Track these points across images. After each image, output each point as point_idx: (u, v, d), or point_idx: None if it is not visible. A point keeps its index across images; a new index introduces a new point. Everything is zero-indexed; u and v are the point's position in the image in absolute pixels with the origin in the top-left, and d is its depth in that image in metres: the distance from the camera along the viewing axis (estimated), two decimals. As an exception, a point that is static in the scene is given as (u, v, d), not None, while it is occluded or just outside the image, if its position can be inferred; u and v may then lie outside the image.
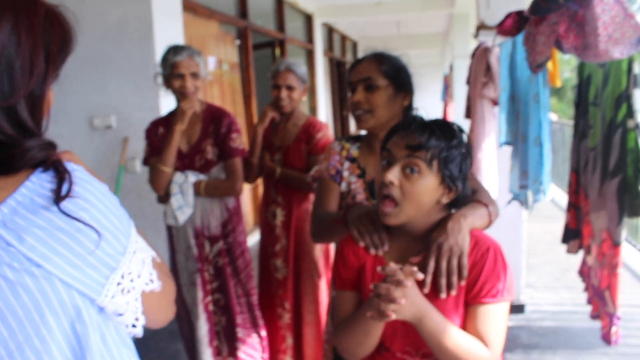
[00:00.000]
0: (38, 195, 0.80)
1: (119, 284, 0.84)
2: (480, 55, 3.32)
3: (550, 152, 2.81)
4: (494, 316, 1.29)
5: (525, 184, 2.97)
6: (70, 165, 0.85)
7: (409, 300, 1.20)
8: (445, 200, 1.33)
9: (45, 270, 0.77)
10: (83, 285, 0.81)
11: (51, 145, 0.85)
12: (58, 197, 0.79)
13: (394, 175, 1.28)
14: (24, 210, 0.78)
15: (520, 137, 2.96)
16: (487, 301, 1.28)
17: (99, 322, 0.86)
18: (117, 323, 0.90)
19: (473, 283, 1.29)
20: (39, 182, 0.81)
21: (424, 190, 1.28)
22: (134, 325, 0.90)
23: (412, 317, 1.22)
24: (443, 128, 1.30)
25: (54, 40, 0.85)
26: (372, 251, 1.39)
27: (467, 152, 1.34)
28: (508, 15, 2.57)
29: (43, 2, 0.85)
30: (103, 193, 0.86)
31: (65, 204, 0.79)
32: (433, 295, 1.30)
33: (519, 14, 2.48)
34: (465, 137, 1.34)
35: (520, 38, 2.68)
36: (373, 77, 1.74)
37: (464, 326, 1.31)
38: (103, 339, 0.86)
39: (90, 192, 0.83)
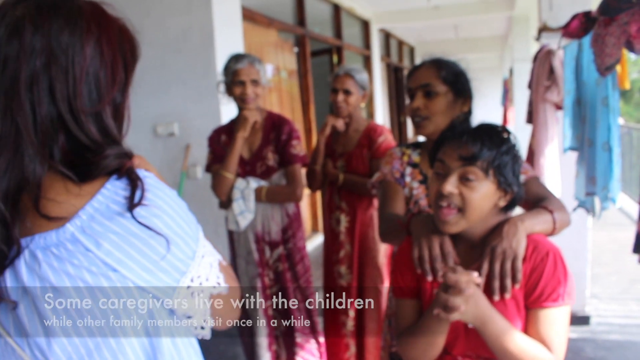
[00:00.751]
0: (113, 202, 0.83)
1: (188, 287, 0.88)
2: (543, 58, 3.23)
3: (619, 158, 2.70)
4: (555, 320, 1.29)
5: (592, 190, 2.87)
6: (142, 172, 0.88)
7: (472, 302, 1.21)
8: (502, 203, 1.34)
9: (120, 275, 0.81)
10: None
11: (126, 155, 0.89)
12: (132, 205, 0.83)
13: (452, 185, 1.29)
14: (101, 217, 0.82)
15: (587, 142, 2.86)
16: (548, 305, 1.28)
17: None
18: (186, 325, 0.93)
19: (533, 287, 1.29)
20: (114, 190, 0.85)
21: (484, 195, 1.30)
22: (202, 327, 0.94)
23: (475, 320, 1.23)
24: (492, 135, 1.32)
25: (126, 50, 0.91)
26: (429, 278, 1.37)
27: (517, 154, 1.35)
28: (574, 17, 2.49)
29: (114, 16, 0.91)
30: (173, 199, 0.89)
31: (138, 211, 0.83)
32: (492, 300, 1.29)
33: (586, 15, 2.40)
34: (513, 139, 1.35)
35: (586, 40, 2.59)
36: (432, 84, 1.73)
37: (526, 331, 1.31)
38: (173, 340, 0.90)
39: (161, 198, 0.86)
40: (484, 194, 1.29)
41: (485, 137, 1.30)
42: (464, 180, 1.29)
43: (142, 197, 0.84)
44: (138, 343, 0.85)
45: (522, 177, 1.64)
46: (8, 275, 0.81)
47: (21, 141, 0.81)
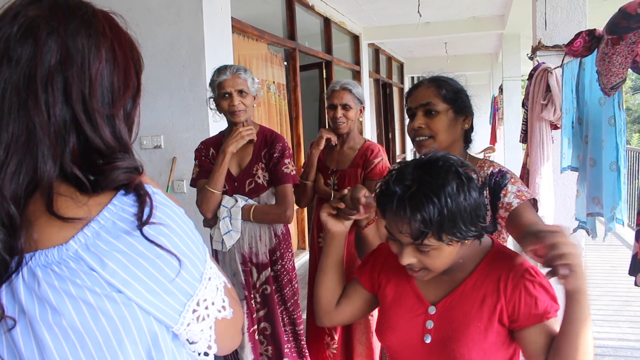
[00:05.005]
0: (120, 219, 0.80)
1: (194, 311, 0.84)
2: (539, 77, 3.18)
3: (625, 178, 2.64)
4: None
5: (595, 211, 2.80)
6: (150, 189, 0.84)
7: (580, 271, 1.10)
8: (470, 244, 1.28)
9: (125, 296, 0.78)
10: (161, 312, 0.81)
11: (136, 170, 0.86)
12: (140, 222, 0.79)
13: (408, 258, 1.24)
14: (106, 234, 0.78)
15: (589, 161, 2.79)
16: (548, 318, 1.24)
17: (173, 349, 0.85)
18: (189, 351, 0.89)
19: (528, 308, 1.24)
20: (121, 206, 0.81)
21: (445, 257, 1.24)
22: (206, 354, 0.90)
23: (575, 287, 1.13)
24: (432, 195, 1.14)
25: (137, 57, 0.92)
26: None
27: (473, 192, 1.19)
28: (577, 35, 2.43)
29: (123, 27, 0.92)
30: (181, 218, 0.85)
31: (147, 229, 0.79)
32: (465, 313, 1.28)
33: (590, 33, 2.34)
34: (462, 177, 1.18)
35: (589, 59, 2.53)
36: (433, 102, 1.71)
37: (528, 346, 1.26)
38: None
39: (170, 217, 0.83)
40: (444, 256, 1.23)
41: (424, 205, 1.14)
42: (419, 251, 1.22)
43: (150, 215, 0.80)
44: None
45: (516, 202, 1.61)
46: (5, 293, 0.78)
47: (34, 140, 0.79)
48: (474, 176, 1.23)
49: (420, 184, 1.16)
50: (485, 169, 1.72)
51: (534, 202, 1.66)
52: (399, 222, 1.18)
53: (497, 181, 1.67)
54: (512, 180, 1.66)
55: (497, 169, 1.70)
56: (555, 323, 1.24)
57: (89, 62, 0.82)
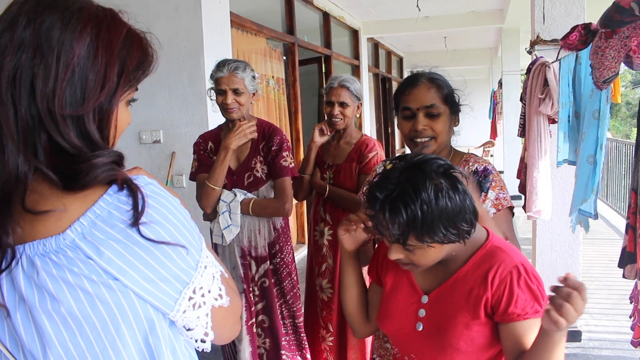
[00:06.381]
0: (115, 208, 0.81)
1: (190, 298, 0.85)
2: (537, 71, 3.19)
3: (600, 173, 2.65)
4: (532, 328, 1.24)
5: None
6: (144, 180, 0.86)
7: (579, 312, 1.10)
8: (460, 244, 1.27)
9: (121, 284, 0.79)
10: (157, 300, 0.82)
11: (117, 164, 0.85)
12: (135, 214, 0.80)
13: (395, 254, 1.27)
14: (102, 224, 0.79)
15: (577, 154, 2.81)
16: (527, 318, 1.25)
17: (170, 336, 0.87)
18: (186, 337, 0.91)
19: (506, 304, 1.25)
20: (116, 196, 0.82)
21: (430, 255, 1.26)
22: (202, 341, 0.91)
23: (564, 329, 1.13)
24: (409, 197, 1.16)
25: (131, 58, 0.88)
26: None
27: (456, 196, 1.20)
28: (573, 29, 2.43)
29: (125, 22, 0.89)
30: (176, 208, 0.86)
31: (141, 225, 0.80)
32: (453, 305, 1.30)
33: (586, 27, 2.34)
34: (443, 182, 1.19)
35: (584, 52, 2.54)
36: (436, 105, 1.70)
37: (504, 342, 1.28)
38: (174, 352, 0.88)
39: (165, 206, 0.84)
40: (429, 254, 1.25)
41: (400, 211, 1.16)
42: (405, 249, 1.25)
43: (144, 206, 0.81)
44: (138, 355, 0.83)
45: (492, 212, 1.65)
46: (5, 281, 0.80)
47: (2, 137, 0.78)
48: (462, 180, 1.24)
49: (400, 190, 1.18)
50: (470, 164, 1.75)
51: (510, 207, 1.71)
52: (380, 225, 1.22)
53: (479, 182, 1.70)
54: (493, 184, 1.69)
55: (482, 167, 1.72)
56: (531, 325, 1.24)
57: (58, 59, 0.79)
